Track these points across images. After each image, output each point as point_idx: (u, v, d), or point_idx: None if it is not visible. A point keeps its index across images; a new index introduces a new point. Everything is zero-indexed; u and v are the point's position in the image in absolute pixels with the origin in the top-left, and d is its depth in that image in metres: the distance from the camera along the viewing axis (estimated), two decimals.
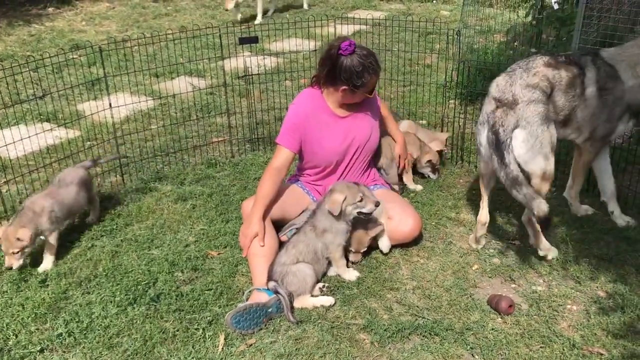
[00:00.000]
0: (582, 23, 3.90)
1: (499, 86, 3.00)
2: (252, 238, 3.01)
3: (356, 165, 3.39)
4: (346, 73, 3.07)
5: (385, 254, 3.18)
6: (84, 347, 2.57)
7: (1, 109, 4.02)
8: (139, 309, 2.77)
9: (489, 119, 2.96)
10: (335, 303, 2.80)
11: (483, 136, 3.00)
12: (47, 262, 3.15)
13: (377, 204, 2.98)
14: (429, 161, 3.96)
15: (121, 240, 3.36)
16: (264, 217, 3.08)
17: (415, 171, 4.03)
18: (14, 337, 2.63)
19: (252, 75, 4.66)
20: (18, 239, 3.00)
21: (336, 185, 3.00)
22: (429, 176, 4.04)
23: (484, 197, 3.22)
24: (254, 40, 4.29)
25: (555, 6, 5.58)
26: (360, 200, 2.93)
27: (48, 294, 2.89)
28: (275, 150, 3.24)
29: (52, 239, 3.17)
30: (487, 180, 3.19)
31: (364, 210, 2.96)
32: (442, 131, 4.40)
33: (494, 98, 2.98)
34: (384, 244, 3.17)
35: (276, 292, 2.73)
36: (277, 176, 3.15)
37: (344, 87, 3.13)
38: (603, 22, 4.94)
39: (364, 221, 3.07)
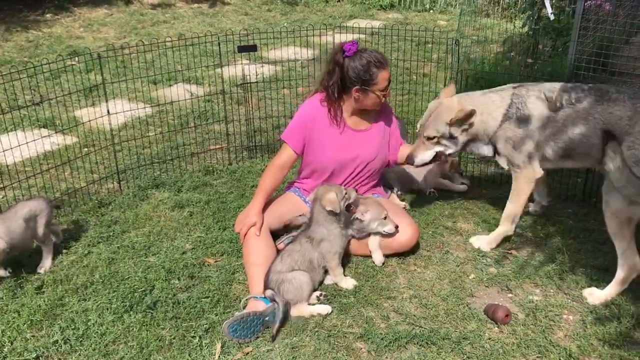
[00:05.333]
0: (578, 34, 3.93)
1: None
2: (249, 226, 3.06)
3: (356, 179, 3.39)
4: (354, 72, 3.12)
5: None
6: (79, 355, 2.56)
7: None
8: (135, 317, 2.76)
9: None
10: (332, 312, 2.80)
11: None
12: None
13: (356, 191, 3.11)
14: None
15: (118, 247, 3.35)
16: (263, 220, 3.12)
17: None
18: (9, 344, 2.62)
19: (250, 83, 4.67)
20: None
21: (319, 190, 3.04)
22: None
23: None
24: (252, 48, 4.30)
25: (552, 17, 5.62)
26: (346, 193, 3.02)
27: (44, 301, 2.88)
28: (280, 147, 3.32)
29: None
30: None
31: (350, 201, 3.04)
32: None
33: None
34: (377, 258, 3.17)
35: (273, 300, 2.73)
36: (278, 173, 3.27)
37: (355, 87, 3.15)
38: (599, 33, 4.98)
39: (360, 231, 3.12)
